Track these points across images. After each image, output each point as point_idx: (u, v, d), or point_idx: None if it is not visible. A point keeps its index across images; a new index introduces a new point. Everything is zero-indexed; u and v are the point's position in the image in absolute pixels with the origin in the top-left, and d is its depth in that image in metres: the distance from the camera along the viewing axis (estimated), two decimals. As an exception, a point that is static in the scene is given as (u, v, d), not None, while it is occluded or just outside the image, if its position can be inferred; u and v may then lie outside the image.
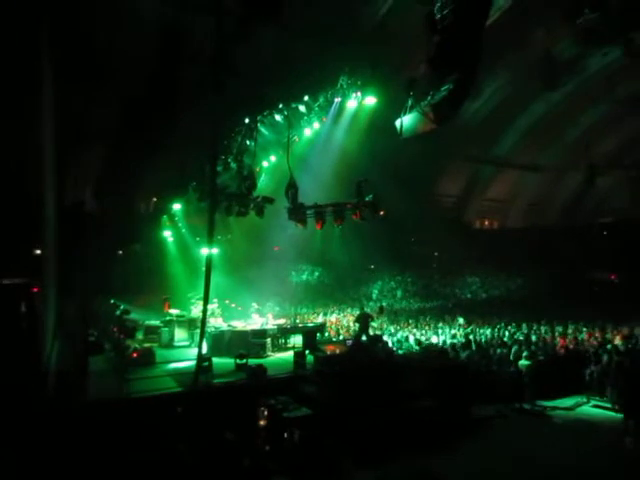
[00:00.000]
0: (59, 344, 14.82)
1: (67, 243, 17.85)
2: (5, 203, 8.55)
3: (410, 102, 9.36)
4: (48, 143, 11.26)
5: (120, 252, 23.02)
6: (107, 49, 12.90)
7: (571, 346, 15.38)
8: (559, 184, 35.18)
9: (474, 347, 15.09)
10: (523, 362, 12.61)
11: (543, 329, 18.25)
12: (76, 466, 7.80)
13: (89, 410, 9.44)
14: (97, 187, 21.99)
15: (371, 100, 14.62)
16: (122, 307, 18.44)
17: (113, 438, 8.55)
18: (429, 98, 8.68)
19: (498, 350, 14.50)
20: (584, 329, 17.53)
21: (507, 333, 17.73)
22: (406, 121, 9.58)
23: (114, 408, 9.71)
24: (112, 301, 19.26)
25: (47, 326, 12.05)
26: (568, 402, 12.70)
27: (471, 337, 16.96)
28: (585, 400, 12.74)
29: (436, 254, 33.35)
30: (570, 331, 17.58)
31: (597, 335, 16.39)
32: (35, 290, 9.58)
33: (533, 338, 16.33)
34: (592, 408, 12.32)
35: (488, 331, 18.51)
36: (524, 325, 18.93)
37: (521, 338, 16.12)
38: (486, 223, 38.08)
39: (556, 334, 17.23)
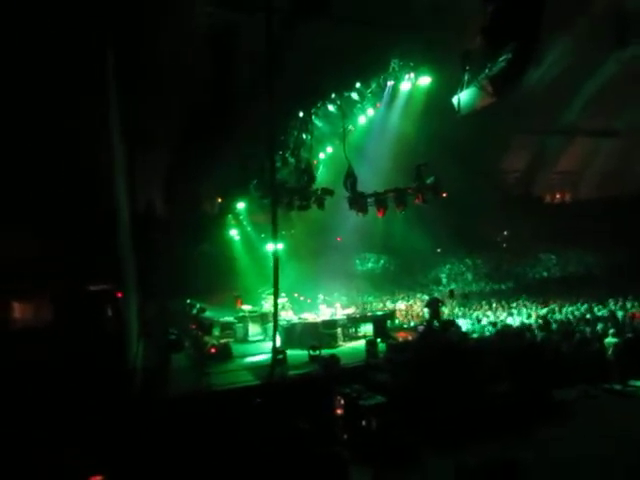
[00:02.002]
0: (143, 344, 15.78)
1: (142, 247, 18.91)
2: (84, 212, 9.14)
3: (467, 77, 9.06)
4: (118, 151, 11.88)
5: (192, 253, 23.96)
6: (165, 57, 13.42)
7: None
8: (636, 150, 32.50)
9: (553, 327, 14.39)
10: (610, 340, 11.85)
11: (629, 305, 17.05)
12: (167, 455, 8.28)
13: (174, 403, 9.98)
14: (165, 190, 23.02)
15: (425, 80, 14.20)
16: (198, 306, 19.30)
17: (197, 428, 8.96)
18: (486, 71, 8.35)
19: (579, 329, 13.73)
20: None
21: (589, 311, 16.74)
22: (463, 97, 9.28)
23: (196, 401, 10.20)
24: (188, 301, 20.19)
25: (131, 328, 12.84)
26: None
27: (549, 317, 16.18)
28: None
29: (505, 233, 32.05)
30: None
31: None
32: (119, 295, 10.21)
33: (620, 314, 15.29)
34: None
35: (567, 310, 17.56)
36: (610, 302, 17.76)
37: (605, 315, 15.14)
38: (557, 196, 36.03)
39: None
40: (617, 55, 23.22)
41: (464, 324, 16.53)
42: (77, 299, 9.27)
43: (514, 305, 19.85)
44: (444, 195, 14.69)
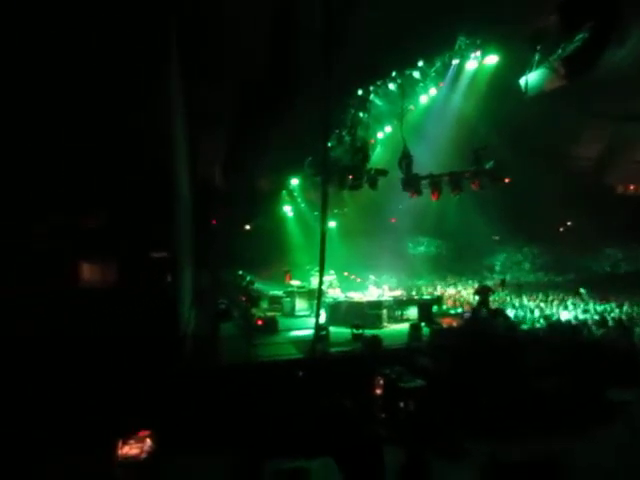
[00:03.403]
0: (195, 312, 16.47)
1: (200, 218, 19.59)
2: (146, 187, 9.63)
3: (537, 57, 8.62)
4: (179, 127, 12.29)
5: (247, 227, 24.53)
6: (225, 35, 13.60)
7: None
8: None
9: (611, 324, 13.67)
10: (672, 343, 11.16)
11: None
12: (211, 419, 8.70)
13: (221, 371, 10.41)
14: (224, 165, 23.58)
15: (492, 59, 13.58)
16: (248, 278, 19.86)
17: (242, 396, 9.33)
18: (559, 51, 7.90)
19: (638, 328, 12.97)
20: None
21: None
22: (532, 78, 8.86)
23: (243, 370, 10.59)
24: (239, 272, 20.80)
25: (185, 295, 13.43)
26: None
27: (608, 314, 15.37)
28: None
29: (569, 224, 30.49)
30: None
31: None
32: (176, 263, 10.70)
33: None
34: None
35: (629, 307, 16.61)
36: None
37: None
38: (631, 188, 33.68)
39: None
40: None
41: (514, 314, 16.03)
42: (139, 265, 9.79)
43: (570, 300, 19.00)
44: (506, 180, 14.14)
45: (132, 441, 7.25)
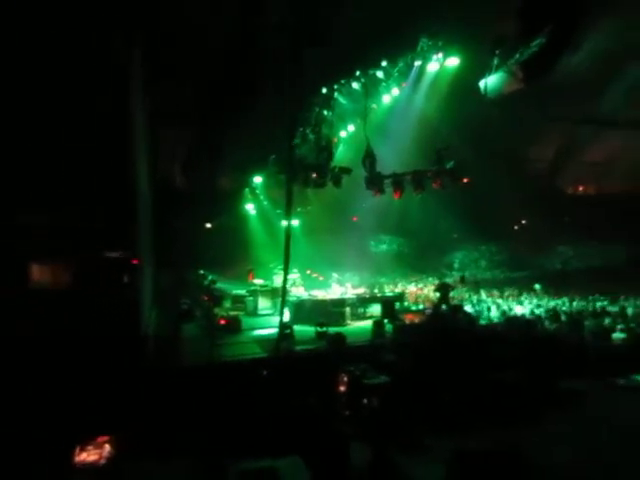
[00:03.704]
0: (156, 312, 16.09)
1: (160, 217, 19.14)
2: (104, 181, 9.33)
3: (496, 61, 8.84)
4: (139, 124, 11.97)
5: (208, 226, 24.16)
6: (189, 29, 13.35)
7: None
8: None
9: (563, 318, 14.30)
10: (618, 335, 11.77)
11: (641, 301, 16.86)
12: (174, 421, 8.51)
13: (183, 371, 10.20)
14: (185, 163, 23.13)
15: (453, 61, 13.87)
16: (210, 277, 19.56)
17: (205, 397, 9.17)
18: (517, 55, 8.12)
19: (589, 322, 13.63)
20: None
21: (600, 304, 16.59)
22: (491, 81, 9.07)
23: (205, 371, 10.42)
24: (201, 272, 20.46)
25: (145, 295, 13.09)
26: None
27: (560, 308, 16.08)
28: None
29: (524, 222, 31.63)
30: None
31: None
32: (135, 262, 10.41)
33: (630, 310, 15.15)
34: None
35: (579, 302, 17.45)
36: (620, 296, 17.59)
37: (616, 310, 14.99)
38: (581, 189, 35.28)
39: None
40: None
41: (473, 310, 16.50)
42: (96, 265, 9.48)
43: (525, 295, 19.75)
44: (465, 180, 14.51)
45: (90, 447, 6.98)
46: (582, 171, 33.61)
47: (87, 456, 6.88)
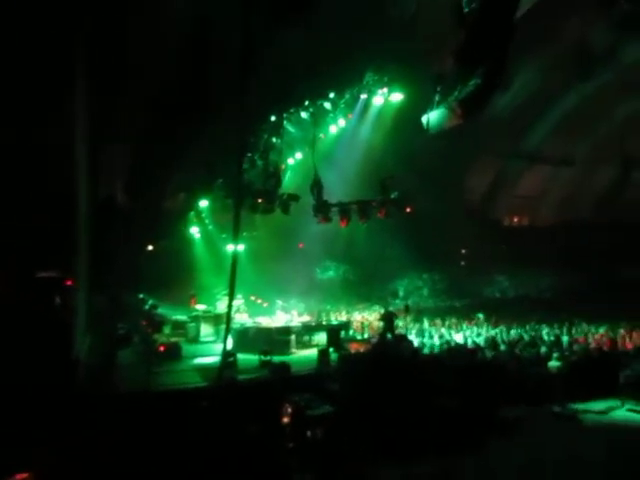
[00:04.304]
0: (90, 336, 15.24)
1: (99, 237, 18.33)
2: (38, 198, 8.85)
3: (437, 98, 9.22)
4: (80, 141, 11.55)
5: (150, 248, 23.40)
6: (138, 48, 13.16)
7: (605, 347, 14.91)
8: (593, 179, 34.08)
9: (502, 347, 14.81)
10: (553, 363, 12.29)
11: (576, 329, 17.79)
12: (103, 454, 7.98)
13: (115, 400, 9.65)
14: (128, 183, 22.43)
15: (397, 96, 14.48)
16: (150, 302, 18.84)
17: (138, 428, 8.70)
18: (456, 93, 8.53)
19: (527, 350, 14.20)
20: (620, 330, 16.97)
21: (537, 333, 17.34)
22: (433, 117, 9.45)
23: (140, 399, 9.91)
24: (141, 295, 19.67)
25: (78, 318, 12.40)
26: (601, 405, 12.18)
27: (499, 337, 16.66)
28: (619, 404, 12.17)
29: (464, 251, 32.84)
30: (604, 332, 17.06)
31: (634, 336, 15.85)
32: (68, 283, 9.87)
33: (565, 339, 15.93)
34: (627, 412, 11.79)
35: (516, 331, 18.16)
36: (555, 325, 18.49)
37: (552, 338, 15.72)
38: (515, 220, 37.26)
39: (589, 335, 16.76)
40: (579, 88, 24.28)
41: (416, 339, 16.79)
42: (24, 284, 8.91)
43: (465, 324, 20.35)
44: (408, 210, 14.95)
45: (6, 486, 6.40)
46: (515, 203, 35.65)
47: (4, 498, 6.30)
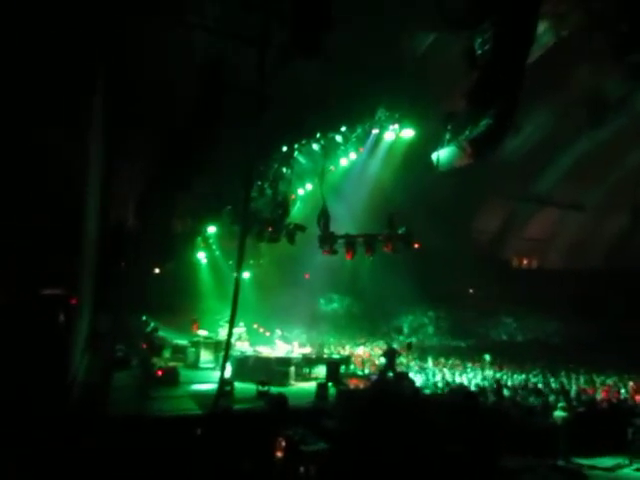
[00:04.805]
0: (89, 356, 15.12)
1: (106, 259, 18.43)
2: (47, 216, 8.92)
3: (448, 136, 9.28)
4: (93, 163, 11.75)
5: (156, 271, 23.48)
6: (153, 77, 13.55)
7: (614, 400, 14.41)
8: (603, 225, 33.88)
9: (505, 392, 14.40)
10: (559, 413, 11.87)
11: (582, 379, 17.30)
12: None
13: (108, 423, 9.47)
14: (138, 207, 22.71)
15: (408, 133, 14.61)
16: (152, 324, 18.75)
17: (131, 454, 8.49)
18: (467, 132, 8.58)
19: (531, 398, 13.77)
20: (629, 382, 16.46)
21: (542, 380, 16.89)
22: (443, 155, 9.49)
23: (134, 424, 9.72)
24: (144, 318, 19.60)
25: (79, 338, 12.33)
26: (608, 462, 11.48)
27: (503, 382, 16.24)
28: (627, 462, 11.42)
29: (471, 291, 32.50)
30: (612, 383, 16.57)
31: (644, 390, 15.35)
32: (73, 302, 9.85)
33: (572, 388, 15.48)
34: (635, 472, 11.20)
35: (522, 376, 17.70)
36: (562, 373, 18.02)
37: (557, 387, 15.29)
38: (524, 262, 36.93)
39: (597, 385, 16.28)
40: (591, 134, 24.42)
41: (419, 378, 16.43)
42: (29, 300, 8.89)
43: (469, 365, 19.92)
44: (416, 246, 14.89)
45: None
46: (524, 245, 35.44)
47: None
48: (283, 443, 9.37)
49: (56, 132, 8.70)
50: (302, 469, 8.72)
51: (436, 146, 9.48)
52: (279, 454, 9.41)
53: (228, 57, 11.91)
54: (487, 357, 20.95)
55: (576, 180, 29.13)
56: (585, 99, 20.23)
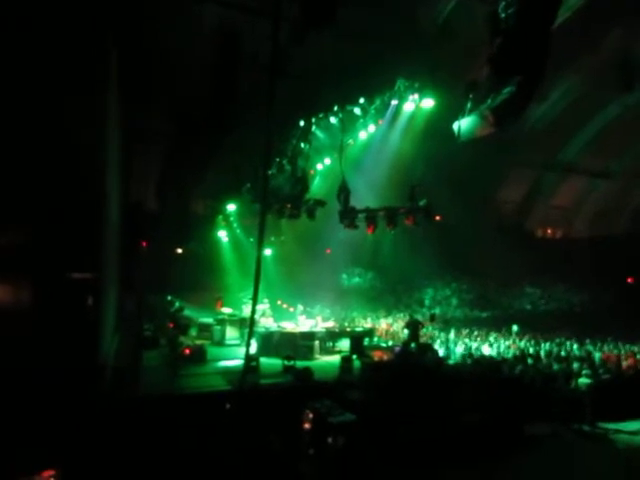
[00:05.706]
0: (118, 337, 15.51)
1: (128, 239, 18.70)
2: (71, 200, 9.04)
3: (469, 105, 9.04)
4: (112, 144, 11.80)
5: (178, 251, 23.77)
6: (169, 53, 13.43)
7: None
8: (631, 192, 32.95)
9: (530, 361, 14.37)
10: (583, 380, 11.84)
11: (608, 347, 17.13)
12: (128, 455, 8.07)
13: (141, 402, 9.76)
14: (158, 187, 22.89)
15: (428, 103, 14.23)
16: (177, 304, 19.10)
17: (163, 430, 8.76)
18: (489, 101, 8.34)
19: (556, 366, 13.72)
20: (655, 349, 16.27)
21: (567, 348, 16.78)
22: (464, 124, 9.25)
23: (165, 403, 10.00)
24: (169, 298, 19.97)
25: (107, 320, 12.62)
26: (633, 426, 11.68)
27: (527, 351, 16.19)
28: None
29: (494, 262, 32.18)
30: (637, 350, 16.37)
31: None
32: (100, 285, 10.04)
33: (597, 355, 15.36)
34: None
35: (546, 345, 17.61)
36: (587, 340, 17.87)
37: (582, 354, 15.18)
38: (549, 232, 36.28)
39: (622, 352, 16.11)
40: (621, 99, 23.51)
41: (442, 349, 16.48)
42: (58, 285, 9.09)
43: (493, 336, 19.86)
44: (437, 218, 14.73)
45: (33, 482, 6.53)
46: (550, 214, 34.75)
47: (30, 492, 6.42)
48: (310, 415, 9.57)
49: (73, 110, 8.72)
50: (330, 440, 8.91)
51: (457, 115, 9.26)
52: (307, 426, 9.61)
53: (244, 31, 11.70)
54: (515, 327, 20.80)
55: (603, 147, 28.25)
56: (615, 63, 19.39)
